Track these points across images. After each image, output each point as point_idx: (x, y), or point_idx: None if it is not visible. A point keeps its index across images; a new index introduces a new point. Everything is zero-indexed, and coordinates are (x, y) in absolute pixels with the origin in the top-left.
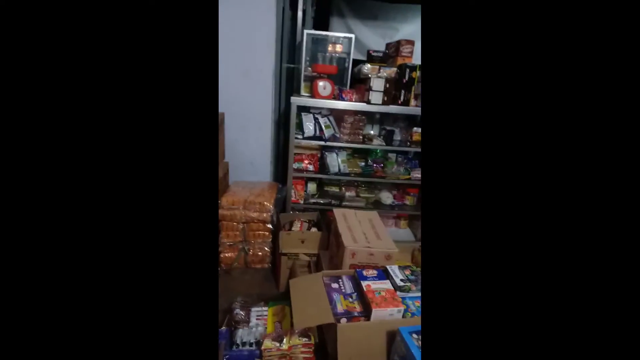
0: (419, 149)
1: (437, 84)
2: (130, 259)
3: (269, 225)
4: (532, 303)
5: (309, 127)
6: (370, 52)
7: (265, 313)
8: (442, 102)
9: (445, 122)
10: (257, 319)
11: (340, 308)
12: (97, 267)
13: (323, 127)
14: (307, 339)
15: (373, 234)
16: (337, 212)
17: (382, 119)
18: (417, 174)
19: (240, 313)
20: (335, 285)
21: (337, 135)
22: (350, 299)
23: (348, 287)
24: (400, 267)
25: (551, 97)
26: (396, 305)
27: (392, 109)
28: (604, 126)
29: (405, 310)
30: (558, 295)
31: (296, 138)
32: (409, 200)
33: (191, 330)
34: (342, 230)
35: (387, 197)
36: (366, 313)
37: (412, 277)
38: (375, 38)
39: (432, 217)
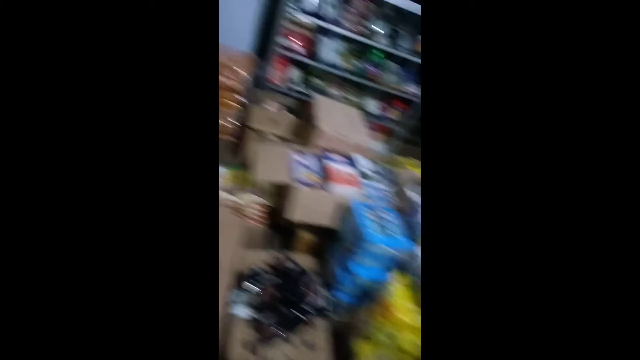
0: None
1: (438, 84)
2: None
3: (240, 97)
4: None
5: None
6: None
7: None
8: (443, 102)
9: (446, 121)
10: None
11: (301, 177)
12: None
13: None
14: (263, 201)
15: (351, 127)
16: (320, 99)
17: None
18: (410, 88)
19: None
20: (300, 159)
21: (340, 20)
22: (313, 173)
23: (313, 163)
24: (371, 161)
25: (552, 97)
26: (357, 187)
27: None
28: (604, 126)
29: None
30: (559, 294)
31: (289, 6)
32: (394, 115)
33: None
34: (320, 115)
35: (373, 106)
36: (326, 189)
37: (381, 172)
38: None
39: (433, 217)
